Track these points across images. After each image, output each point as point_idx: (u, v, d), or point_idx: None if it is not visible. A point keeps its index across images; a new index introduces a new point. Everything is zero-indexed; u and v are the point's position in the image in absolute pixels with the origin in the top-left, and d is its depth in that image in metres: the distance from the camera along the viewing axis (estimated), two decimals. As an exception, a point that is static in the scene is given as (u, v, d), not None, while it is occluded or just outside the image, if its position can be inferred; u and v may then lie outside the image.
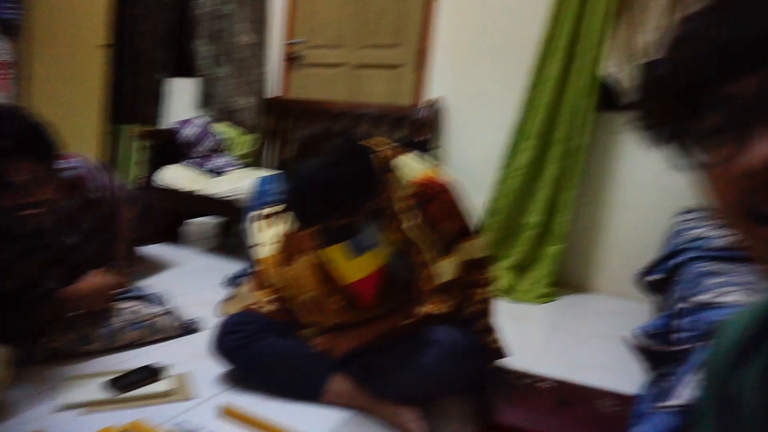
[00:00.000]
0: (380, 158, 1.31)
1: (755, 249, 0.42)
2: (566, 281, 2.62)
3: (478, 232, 1.42)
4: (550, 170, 2.50)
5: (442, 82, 2.82)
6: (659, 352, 1.00)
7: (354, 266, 1.34)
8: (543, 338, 2.15)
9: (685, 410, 0.70)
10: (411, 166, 1.36)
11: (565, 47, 2.40)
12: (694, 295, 1.01)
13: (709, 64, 0.39)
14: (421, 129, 2.72)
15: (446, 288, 1.35)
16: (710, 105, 0.40)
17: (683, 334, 0.96)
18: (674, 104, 0.42)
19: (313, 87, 3.23)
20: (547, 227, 2.54)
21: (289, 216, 1.30)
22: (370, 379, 1.38)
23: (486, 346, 1.44)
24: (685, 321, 0.96)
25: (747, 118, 0.38)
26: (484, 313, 1.44)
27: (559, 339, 2.11)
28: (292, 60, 3.27)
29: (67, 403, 1.36)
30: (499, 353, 1.57)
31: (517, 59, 2.60)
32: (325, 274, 1.42)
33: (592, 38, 2.36)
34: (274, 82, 3.29)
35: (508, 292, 2.49)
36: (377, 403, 1.37)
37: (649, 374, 1.07)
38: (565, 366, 1.82)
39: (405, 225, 1.32)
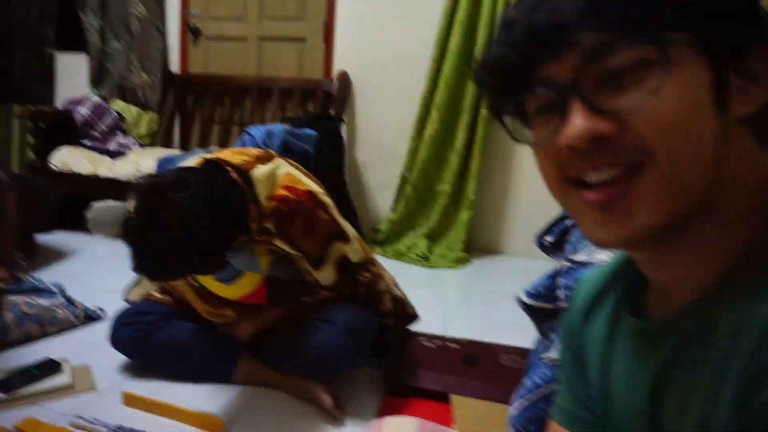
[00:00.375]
0: (233, 178, 1.19)
1: (576, 215, 0.46)
2: (478, 245, 2.73)
3: (347, 236, 1.37)
4: (458, 139, 2.57)
5: (350, 55, 2.80)
6: (545, 309, 1.07)
7: (233, 289, 1.34)
8: (456, 301, 2.24)
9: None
10: (270, 177, 1.26)
11: (466, 19, 2.45)
12: (575, 254, 1.09)
13: (529, 46, 0.42)
14: (330, 102, 2.70)
15: (330, 287, 1.37)
16: (536, 84, 0.43)
17: (563, 292, 1.03)
18: (506, 84, 0.45)
19: (217, 61, 3.10)
20: (458, 195, 2.62)
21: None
22: (276, 357, 1.39)
23: (388, 315, 1.48)
24: (565, 279, 1.03)
25: (565, 95, 0.41)
26: (375, 289, 1.45)
27: (471, 301, 2.21)
28: (191, 33, 3.11)
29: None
30: (411, 318, 1.63)
31: (423, 31, 2.62)
32: (209, 293, 1.40)
33: (492, 11, 2.42)
34: (173, 58, 3.13)
35: (424, 258, 2.55)
36: (286, 379, 1.39)
37: (538, 330, 1.14)
38: (477, 326, 1.92)
39: (274, 241, 1.26)
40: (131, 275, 2.19)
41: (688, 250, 0.43)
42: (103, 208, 2.99)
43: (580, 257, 1.06)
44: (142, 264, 1.09)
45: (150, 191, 1.09)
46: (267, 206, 1.23)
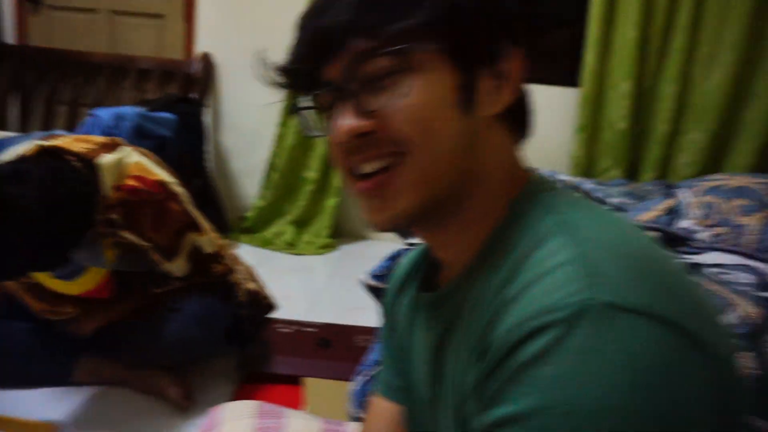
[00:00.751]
0: (76, 168, 1.12)
1: (359, 203, 0.51)
2: (344, 231, 2.79)
3: (200, 227, 1.35)
4: (324, 127, 2.59)
5: (213, 36, 2.69)
6: (383, 289, 1.14)
7: (74, 285, 1.27)
8: (321, 287, 2.28)
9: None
10: (116, 167, 1.19)
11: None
12: (413, 237, 1.17)
13: (311, 51, 0.47)
14: (192, 85, 2.59)
15: (182, 278, 1.34)
16: (318, 85, 0.47)
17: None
18: (296, 84, 0.49)
19: (62, 34, 2.82)
20: (324, 181, 2.65)
21: None
22: (123, 351, 1.34)
23: (244, 305, 1.48)
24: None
25: (335, 96, 0.46)
26: (228, 280, 1.45)
27: (335, 286, 2.26)
28: (30, 1, 2.80)
29: None
30: (268, 307, 1.63)
31: (290, 13, 2.59)
32: (45, 291, 1.30)
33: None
34: (7, 27, 2.80)
35: (291, 246, 2.56)
36: (131, 374, 1.34)
37: (378, 310, 1.21)
38: (339, 309, 1.97)
39: (122, 233, 1.20)
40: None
41: (455, 232, 0.50)
42: None
43: (415, 239, 1.14)
44: None
45: None
46: (113, 197, 1.17)
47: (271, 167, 2.65)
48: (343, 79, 0.45)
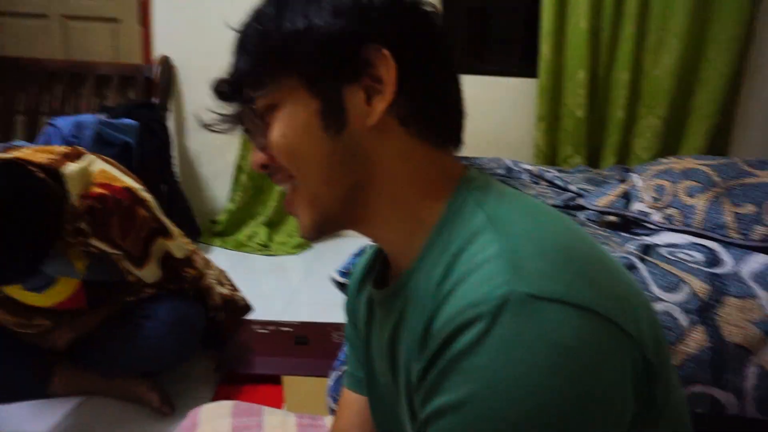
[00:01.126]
0: (41, 179, 1.10)
1: None
2: (318, 229, 2.81)
3: (170, 232, 1.35)
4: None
5: (171, 39, 2.66)
6: (349, 285, 1.17)
7: (46, 297, 1.25)
8: (296, 286, 2.29)
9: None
10: (80, 175, 1.19)
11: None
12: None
13: (221, 95, 0.52)
14: (152, 89, 2.56)
15: (154, 284, 1.35)
16: (247, 108, 0.51)
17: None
18: (228, 101, 0.53)
19: (11, 40, 2.75)
20: (294, 181, 2.66)
21: None
22: (99, 361, 1.34)
23: (218, 308, 1.49)
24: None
25: (246, 127, 0.52)
26: (200, 285, 1.45)
27: (310, 284, 2.28)
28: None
29: None
30: (243, 309, 1.65)
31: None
32: (16, 304, 1.29)
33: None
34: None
35: (265, 247, 2.57)
36: (109, 383, 1.34)
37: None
38: (316, 308, 1.99)
39: (90, 241, 1.20)
40: None
41: (382, 232, 0.53)
42: None
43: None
44: None
45: None
46: (80, 205, 1.17)
47: (239, 169, 2.64)
48: (242, 120, 0.52)
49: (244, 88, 0.50)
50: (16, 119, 2.68)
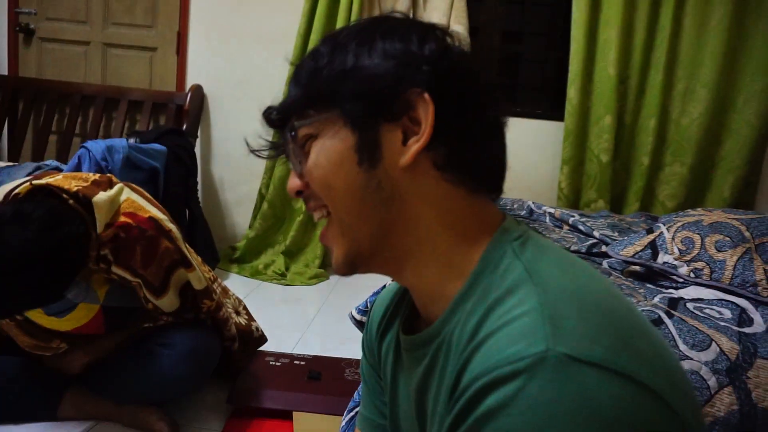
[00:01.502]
0: (73, 208, 1.14)
1: None
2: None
3: (191, 264, 1.35)
4: (314, 158, 2.62)
5: (204, 69, 2.74)
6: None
7: (66, 322, 1.27)
8: (311, 318, 2.28)
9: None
10: (107, 204, 1.21)
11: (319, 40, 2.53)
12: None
13: (270, 122, 0.55)
14: (183, 116, 2.62)
15: (171, 313, 1.35)
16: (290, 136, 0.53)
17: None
18: (274, 127, 0.55)
19: (54, 65, 2.85)
20: (315, 212, 2.67)
21: None
22: (109, 387, 1.34)
23: (233, 339, 1.48)
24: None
25: (287, 154, 0.54)
26: (217, 316, 1.45)
27: (325, 316, 2.26)
28: (22, 33, 2.84)
29: None
30: (259, 340, 1.63)
31: (278, 47, 2.65)
32: (35, 327, 1.30)
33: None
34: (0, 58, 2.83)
35: (282, 276, 2.57)
36: (118, 409, 1.33)
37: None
38: (330, 341, 1.97)
39: (113, 269, 1.22)
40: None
41: (413, 276, 0.52)
42: None
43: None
44: None
45: None
46: (106, 234, 1.19)
47: (261, 198, 2.67)
48: (283, 147, 0.54)
49: (290, 117, 0.52)
50: (49, 139, 2.76)
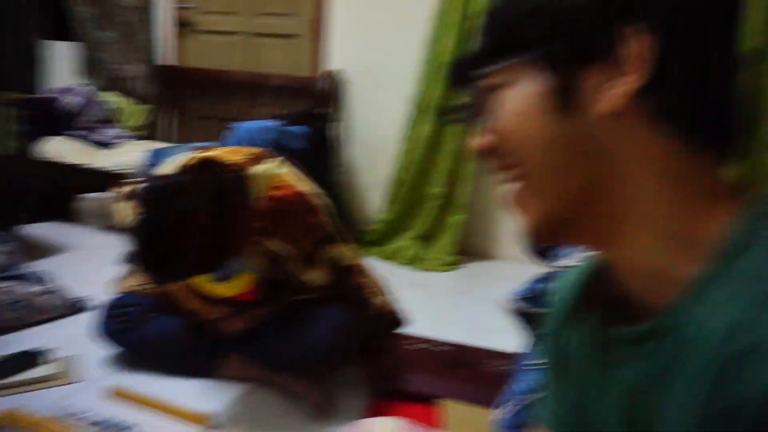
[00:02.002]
0: (232, 178, 1.19)
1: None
2: (469, 249, 2.72)
3: (344, 238, 1.36)
4: (448, 143, 2.55)
5: (342, 53, 2.77)
6: (535, 313, 1.06)
7: (226, 288, 1.33)
8: (445, 305, 2.23)
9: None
10: (265, 177, 1.25)
11: (458, 23, 2.44)
12: (559, 259, 1.09)
13: (453, 78, 0.50)
14: (322, 101, 2.68)
15: (318, 288, 1.36)
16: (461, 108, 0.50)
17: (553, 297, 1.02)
18: (460, 82, 0.50)
19: (207, 55, 3.07)
20: (449, 197, 2.61)
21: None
22: (263, 354, 1.38)
23: (375, 319, 1.47)
24: (551, 284, 1.02)
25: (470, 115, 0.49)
26: (362, 293, 1.44)
27: (460, 305, 2.20)
28: (183, 26, 3.08)
29: None
30: (397, 322, 1.61)
31: (416, 31, 2.60)
32: (200, 291, 1.38)
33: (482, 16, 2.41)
34: (164, 49, 3.09)
35: (414, 261, 2.54)
36: (272, 376, 1.37)
37: (526, 335, 1.13)
38: (465, 330, 1.90)
39: (266, 241, 1.26)
40: (119, 268, 2.17)
41: (629, 252, 0.43)
42: (92, 199, 2.94)
43: (564, 262, 1.05)
44: (151, 269, 1.11)
45: (156, 197, 1.10)
46: (262, 206, 1.23)
47: (397, 182, 2.66)
48: (470, 101, 0.48)
49: (476, 69, 0.47)
50: (203, 122, 2.98)
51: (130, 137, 2.78)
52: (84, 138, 2.66)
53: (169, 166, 1.26)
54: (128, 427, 1.20)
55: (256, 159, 1.29)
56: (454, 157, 2.56)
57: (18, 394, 1.28)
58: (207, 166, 1.22)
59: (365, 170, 2.82)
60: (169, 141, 2.94)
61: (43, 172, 2.58)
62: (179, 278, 1.20)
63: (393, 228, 2.65)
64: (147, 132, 2.95)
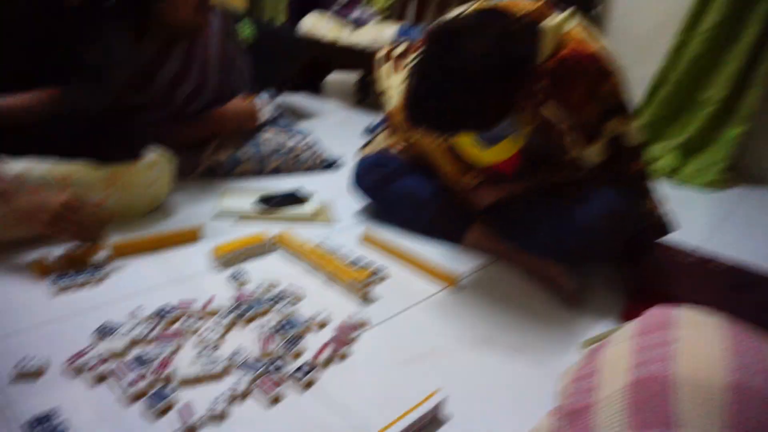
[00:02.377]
0: (524, 26, 1.03)
1: None
2: (744, 170, 2.26)
3: (631, 114, 1.15)
4: (748, 34, 2.06)
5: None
6: None
7: (487, 154, 1.20)
8: (708, 227, 1.89)
9: None
10: (556, 33, 1.08)
11: None
12: None
13: None
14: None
15: (591, 169, 1.18)
16: None
17: None
18: None
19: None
20: (729, 105, 2.15)
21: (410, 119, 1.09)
22: (515, 231, 1.30)
23: (647, 215, 1.27)
24: None
25: None
26: (642, 179, 1.24)
27: (726, 229, 1.85)
28: None
29: (223, 211, 1.45)
30: (663, 227, 1.39)
31: None
32: (457, 155, 1.29)
33: None
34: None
35: (671, 173, 2.20)
36: (518, 253, 1.30)
37: None
38: (742, 250, 1.59)
39: (543, 105, 1.11)
40: (369, 136, 2.26)
41: None
42: (343, 75, 3.11)
43: None
44: (423, 112, 1.04)
45: (446, 34, 1.02)
46: (547, 65, 1.08)
47: (661, 81, 2.27)
48: None
49: None
50: (450, 3, 2.87)
51: (380, 17, 2.82)
52: (341, 16, 2.77)
53: (458, 10, 1.17)
54: (381, 269, 1.25)
55: (547, 8, 1.13)
56: (750, 52, 2.07)
57: (285, 223, 1.43)
58: (499, 12, 1.10)
59: (625, 66, 2.46)
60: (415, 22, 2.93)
61: (305, 45, 2.77)
62: (448, 129, 1.13)
63: (649, 133, 2.30)
64: (391, 13, 2.97)
